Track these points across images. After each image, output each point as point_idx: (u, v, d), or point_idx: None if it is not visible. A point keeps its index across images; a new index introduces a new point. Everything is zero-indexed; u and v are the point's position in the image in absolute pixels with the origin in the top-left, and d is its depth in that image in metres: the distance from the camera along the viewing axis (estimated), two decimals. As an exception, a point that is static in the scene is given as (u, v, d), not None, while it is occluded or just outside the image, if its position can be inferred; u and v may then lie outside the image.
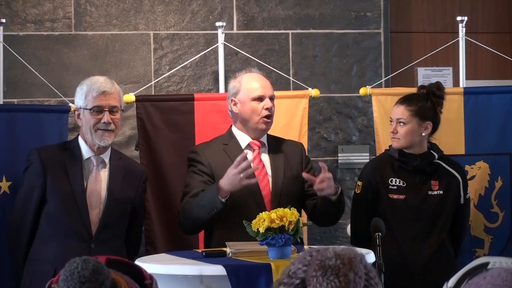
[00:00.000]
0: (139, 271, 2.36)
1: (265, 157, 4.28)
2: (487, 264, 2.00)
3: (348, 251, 1.84)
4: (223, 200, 4.00)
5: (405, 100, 4.40)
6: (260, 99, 4.24)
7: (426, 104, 4.39)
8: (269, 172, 4.24)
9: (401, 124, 4.36)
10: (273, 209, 3.88)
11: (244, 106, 4.25)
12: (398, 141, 4.37)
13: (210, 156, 4.22)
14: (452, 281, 2.04)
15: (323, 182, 4.05)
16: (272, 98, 4.27)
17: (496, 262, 1.99)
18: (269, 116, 4.24)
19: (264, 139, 4.31)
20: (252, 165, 4.12)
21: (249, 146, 4.27)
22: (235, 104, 4.28)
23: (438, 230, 4.36)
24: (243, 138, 4.28)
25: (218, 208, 4.01)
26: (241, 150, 4.21)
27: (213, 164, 4.19)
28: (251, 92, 4.25)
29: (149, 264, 3.55)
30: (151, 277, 2.37)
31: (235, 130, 4.31)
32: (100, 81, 4.14)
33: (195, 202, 4.09)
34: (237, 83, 4.31)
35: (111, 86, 4.13)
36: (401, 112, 4.37)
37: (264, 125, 4.25)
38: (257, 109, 4.23)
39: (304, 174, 4.15)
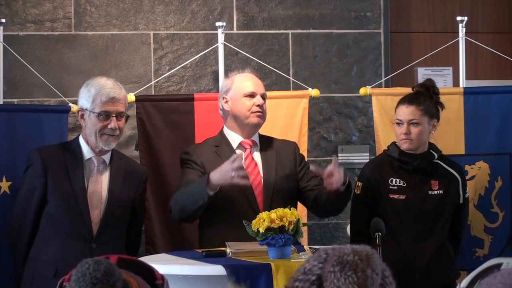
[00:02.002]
0: (151, 271, 2.36)
1: (257, 156, 4.26)
2: (500, 265, 2.00)
3: (365, 248, 1.85)
4: (211, 193, 3.91)
5: (412, 100, 4.34)
6: (251, 95, 4.24)
7: (431, 102, 4.37)
8: (261, 171, 4.23)
9: (414, 125, 4.29)
10: (266, 208, 3.89)
11: (235, 102, 4.24)
12: (411, 143, 4.30)
13: (202, 156, 4.20)
14: (465, 281, 2.04)
15: (330, 177, 3.96)
16: (263, 97, 4.27)
17: (510, 263, 1.99)
18: (260, 113, 4.23)
19: (256, 138, 4.30)
20: (243, 164, 4.10)
21: (240, 146, 4.26)
22: (226, 102, 4.28)
23: (438, 230, 4.34)
24: (234, 138, 4.26)
25: (204, 200, 3.92)
26: (233, 151, 4.20)
27: (206, 164, 4.16)
28: (242, 88, 4.25)
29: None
30: (162, 277, 2.37)
31: (226, 131, 4.30)
32: (109, 86, 4.11)
33: (185, 190, 4.02)
34: (229, 81, 4.31)
35: (119, 91, 4.12)
36: (412, 112, 4.30)
37: (256, 119, 4.22)
38: (248, 105, 4.22)
39: (312, 168, 4.04)
